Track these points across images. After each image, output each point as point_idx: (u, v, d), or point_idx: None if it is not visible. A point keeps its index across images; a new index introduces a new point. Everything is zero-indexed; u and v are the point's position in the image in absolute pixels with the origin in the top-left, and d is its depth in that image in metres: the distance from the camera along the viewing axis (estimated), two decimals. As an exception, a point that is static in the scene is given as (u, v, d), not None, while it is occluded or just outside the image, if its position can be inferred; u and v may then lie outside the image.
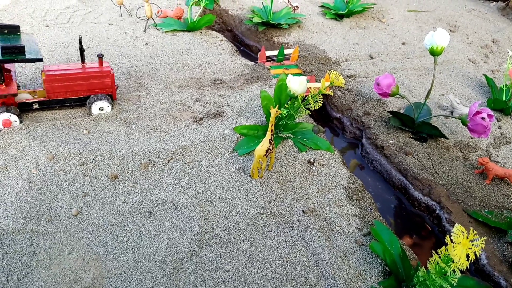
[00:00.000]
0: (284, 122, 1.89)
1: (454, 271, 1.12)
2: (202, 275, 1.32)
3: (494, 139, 2.11)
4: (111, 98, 2.02)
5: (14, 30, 1.81)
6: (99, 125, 1.92)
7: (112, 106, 2.02)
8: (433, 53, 1.88)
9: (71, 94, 1.94)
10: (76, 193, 1.56)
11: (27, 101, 1.90)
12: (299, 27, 3.17)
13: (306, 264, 1.39)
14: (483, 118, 1.80)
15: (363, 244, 1.48)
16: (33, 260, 1.31)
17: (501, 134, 2.16)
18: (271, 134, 1.61)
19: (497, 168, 1.80)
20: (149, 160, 1.74)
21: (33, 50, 1.76)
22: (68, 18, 2.94)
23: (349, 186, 1.73)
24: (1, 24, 1.79)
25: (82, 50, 1.93)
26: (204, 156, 1.79)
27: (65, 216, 1.46)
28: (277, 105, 1.70)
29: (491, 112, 1.82)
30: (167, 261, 1.35)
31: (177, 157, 1.77)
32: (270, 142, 1.61)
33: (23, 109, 1.90)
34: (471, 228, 1.16)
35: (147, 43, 2.70)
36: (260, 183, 1.68)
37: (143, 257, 1.36)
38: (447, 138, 2.02)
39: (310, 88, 2.15)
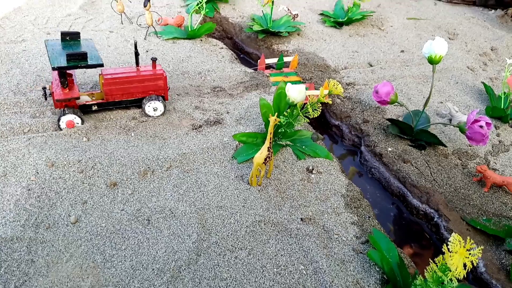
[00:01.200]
0: (283, 130, 1.90)
1: (451, 279, 1.12)
2: (200, 283, 1.32)
3: (492, 147, 2.12)
4: (164, 99, 2.09)
5: (74, 37, 1.90)
6: (98, 132, 1.93)
7: (165, 107, 2.08)
8: (432, 61, 1.89)
9: (127, 96, 2.01)
10: (75, 201, 1.56)
11: (87, 103, 1.97)
12: (298, 35, 3.19)
13: (304, 272, 1.39)
14: (481, 126, 1.81)
15: (361, 252, 1.48)
16: (31, 268, 1.32)
17: (499, 142, 2.16)
18: (270, 142, 1.62)
19: (495, 176, 1.80)
20: (148, 167, 1.74)
21: (94, 56, 1.82)
22: (69, 26, 2.97)
23: (347, 193, 1.73)
24: (64, 32, 1.88)
25: (137, 54, 2.00)
26: (203, 164, 1.80)
27: (64, 224, 1.47)
28: (276, 113, 1.71)
29: (489, 120, 1.83)
30: (164, 269, 1.35)
31: (176, 165, 1.77)
32: (269, 150, 1.62)
33: (83, 110, 1.99)
34: (468, 237, 1.16)
35: (147, 51, 2.72)
36: (259, 190, 1.69)
37: (141, 265, 1.36)
38: (446, 146, 2.03)
39: (309, 96, 2.16)
